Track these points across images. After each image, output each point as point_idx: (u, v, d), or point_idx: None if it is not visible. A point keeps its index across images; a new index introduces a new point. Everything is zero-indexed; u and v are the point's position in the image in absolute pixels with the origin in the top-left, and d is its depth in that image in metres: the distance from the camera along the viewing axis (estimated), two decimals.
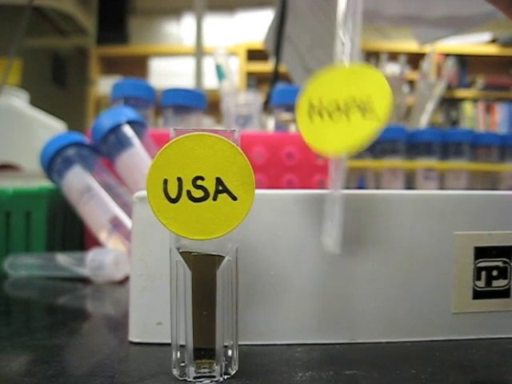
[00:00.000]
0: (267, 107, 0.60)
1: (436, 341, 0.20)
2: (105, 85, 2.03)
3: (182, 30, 2.23)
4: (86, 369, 0.17)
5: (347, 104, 0.18)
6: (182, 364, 0.16)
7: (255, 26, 2.00)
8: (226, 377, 0.16)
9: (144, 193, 0.19)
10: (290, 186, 0.46)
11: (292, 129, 0.53)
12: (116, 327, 0.24)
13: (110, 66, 2.22)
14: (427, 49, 0.89)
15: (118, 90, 0.50)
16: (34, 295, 0.33)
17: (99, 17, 2.07)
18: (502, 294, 0.21)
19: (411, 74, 1.20)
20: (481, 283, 0.20)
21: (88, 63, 2.17)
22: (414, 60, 1.17)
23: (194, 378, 0.16)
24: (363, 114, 0.18)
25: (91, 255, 0.35)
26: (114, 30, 2.07)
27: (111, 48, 2.12)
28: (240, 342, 0.17)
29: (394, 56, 0.88)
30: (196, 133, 0.16)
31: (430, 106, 0.76)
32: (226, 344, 0.17)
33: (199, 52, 0.98)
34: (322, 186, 0.46)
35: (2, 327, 0.24)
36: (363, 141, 0.17)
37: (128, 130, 0.40)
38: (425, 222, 0.20)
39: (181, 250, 0.16)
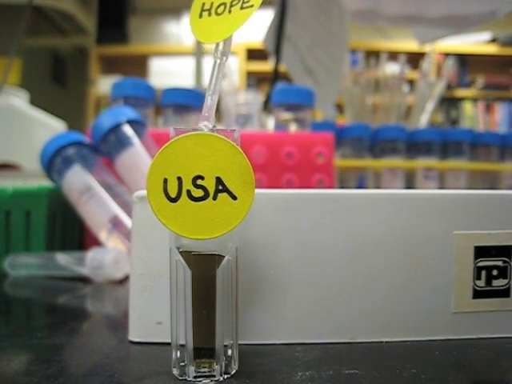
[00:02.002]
0: (267, 107, 0.60)
1: (436, 340, 0.20)
2: (105, 84, 2.03)
3: (181, 29, 2.23)
4: (85, 368, 0.17)
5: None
6: (182, 363, 0.16)
7: (255, 25, 2.00)
8: (225, 376, 0.16)
9: (144, 192, 0.19)
10: (290, 185, 0.46)
11: (292, 128, 0.53)
12: (116, 327, 0.24)
13: (110, 65, 2.22)
14: (427, 48, 0.89)
15: (117, 90, 0.50)
16: (34, 295, 0.33)
17: (99, 16, 2.07)
18: (501, 293, 0.21)
19: (411, 74, 1.20)
20: (481, 283, 0.20)
21: (88, 63, 2.17)
22: (414, 59, 1.17)
23: (194, 377, 0.16)
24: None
25: (91, 255, 0.35)
26: (113, 29, 2.07)
27: (111, 47, 2.12)
28: (240, 342, 0.17)
29: (393, 55, 0.88)
30: (196, 132, 0.16)
31: (430, 106, 0.76)
32: (225, 343, 0.17)
33: (199, 51, 0.98)
34: (321, 185, 0.46)
35: (1, 326, 0.24)
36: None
37: (128, 130, 0.40)
38: (425, 222, 0.20)
39: (181, 250, 0.16)
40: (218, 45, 0.18)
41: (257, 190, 0.16)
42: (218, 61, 0.18)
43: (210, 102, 0.17)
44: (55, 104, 1.59)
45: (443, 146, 0.65)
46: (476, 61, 2.16)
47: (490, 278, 0.20)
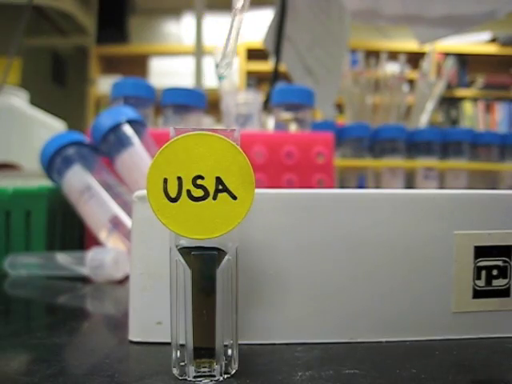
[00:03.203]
0: (267, 106, 0.60)
1: (436, 340, 0.20)
2: (105, 84, 2.03)
3: (181, 29, 2.23)
4: (85, 368, 0.17)
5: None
6: (182, 363, 0.16)
7: (255, 25, 1.99)
8: (225, 376, 0.16)
9: (144, 192, 0.19)
10: (290, 185, 0.46)
11: (292, 128, 0.53)
12: (116, 326, 0.24)
13: (110, 65, 2.22)
14: (427, 48, 0.89)
15: (117, 90, 0.50)
16: (34, 294, 0.33)
17: (99, 16, 2.07)
18: (501, 293, 0.21)
19: (411, 74, 1.20)
20: (481, 282, 0.20)
21: (88, 62, 2.16)
22: (414, 59, 1.17)
23: (194, 377, 0.16)
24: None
25: (91, 254, 0.35)
26: (113, 29, 2.07)
27: (111, 47, 2.12)
28: (240, 342, 0.17)
29: (393, 55, 0.88)
30: (196, 132, 0.16)
31: (430, 106, 0.76)
32: (225, 343, 0.17)
33: (199, 51, 0.98)
34: (321, 185, 0.46)
35: (1, 326, 0.24)
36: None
37: (128, 130, 0.40)
38: (425, 222, 0.20)
39: (180, 249, 0.16)
40: (235, 1, 0.19)
41: (257, 190, 0.16)
42: (237, 17, 0.18)
43: (228, 57, 0.18)
44: (55, 104, 1.59)
45: (443, 145, 0.65)
46: (476, 61, 2.16)
47: (490, 278, 0.20)
